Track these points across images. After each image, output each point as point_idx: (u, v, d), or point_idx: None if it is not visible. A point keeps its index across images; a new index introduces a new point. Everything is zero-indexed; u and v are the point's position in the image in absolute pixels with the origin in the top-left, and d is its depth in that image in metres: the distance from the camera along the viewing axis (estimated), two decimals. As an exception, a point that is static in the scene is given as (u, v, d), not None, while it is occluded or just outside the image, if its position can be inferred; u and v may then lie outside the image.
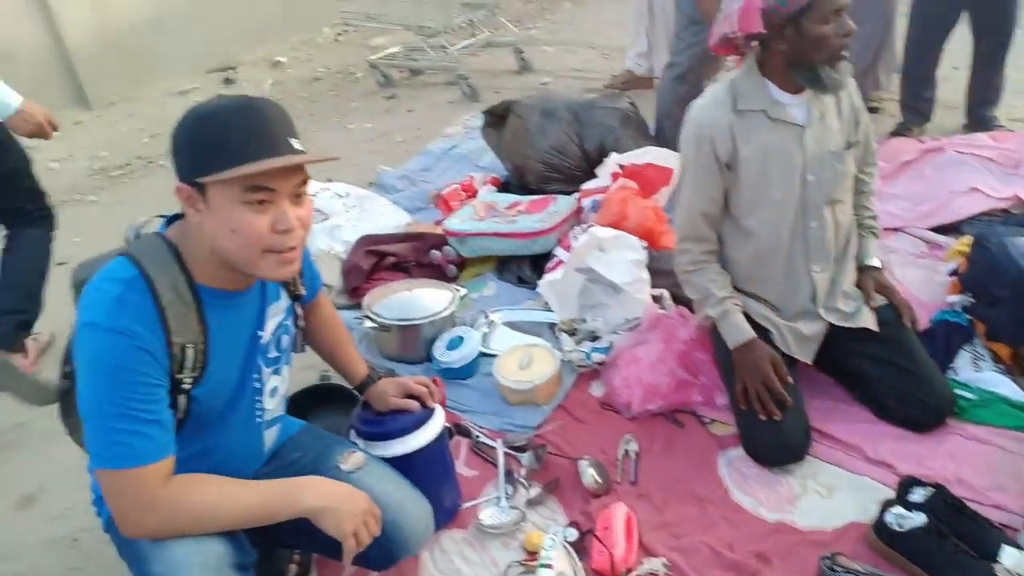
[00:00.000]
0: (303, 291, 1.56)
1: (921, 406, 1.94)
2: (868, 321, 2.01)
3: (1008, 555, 1.48)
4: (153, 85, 5.40)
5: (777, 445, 1.90)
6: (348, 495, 1.35)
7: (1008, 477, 1.79)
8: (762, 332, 1.99)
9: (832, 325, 2.01)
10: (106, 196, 4.14)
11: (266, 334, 1.44)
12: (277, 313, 1.47)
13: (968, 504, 1.66)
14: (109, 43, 5.16)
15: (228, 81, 5.59)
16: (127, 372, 1.20)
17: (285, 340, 1.51)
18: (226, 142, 1.19)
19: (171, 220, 1.34)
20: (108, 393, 1.20)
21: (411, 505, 1.56)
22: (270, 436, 1.56)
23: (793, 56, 1.81)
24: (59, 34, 4.95)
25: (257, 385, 1.45)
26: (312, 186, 3.40)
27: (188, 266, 1.28)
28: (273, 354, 1.47)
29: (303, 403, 1.98)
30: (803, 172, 1.91)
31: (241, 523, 1.31)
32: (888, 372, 1.96)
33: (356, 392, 1.78)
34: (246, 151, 1.19)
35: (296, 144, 1.25)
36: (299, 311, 1.56)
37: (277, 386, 1.52)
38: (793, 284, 2.01)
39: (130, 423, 1.20)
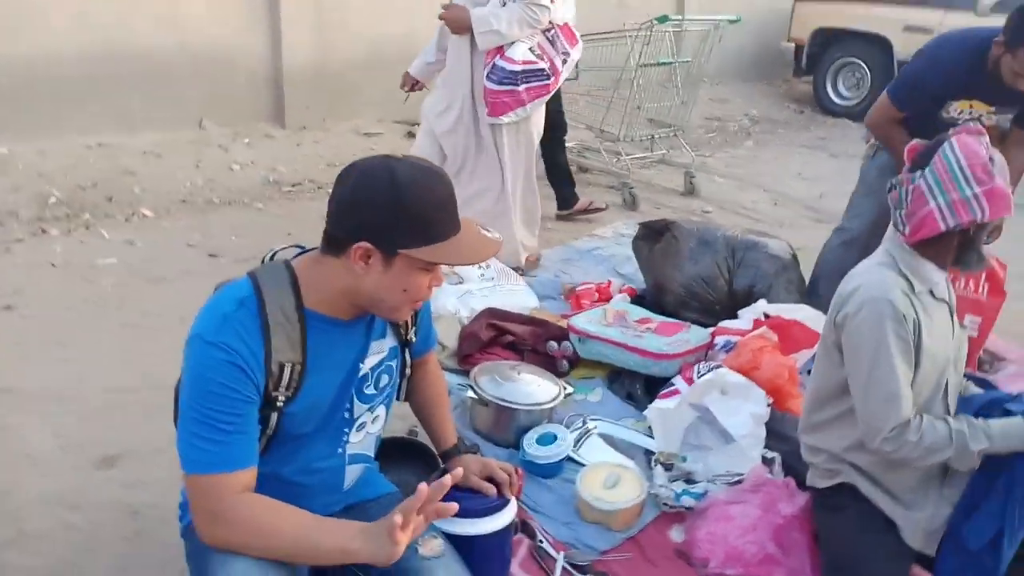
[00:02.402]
0: (412, 337, 1.58)
1: None
2: None
3: None
4: (345, 121, 5.76)
5: None
6: (385, 526, 1.25)
7: None
8: (890, 525, 1.83)
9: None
10: (272, 207, 4.40)
11: (365, 367, 1.46)
12: (380, 351, 1.50)
13: None
14: (319, 74, 5.56)
15: (410, 135, 5.89)
16: (216, 384, 1.26)
17: (384, 380, 1.52)
18: (428, 221, 1.28)
19: (301, 252, 1.43)
20: (197, 400, 1.26)
21: None
22: (352, 473, 1.56)
23: (969, 241, 1.77)
24: (279, 54, 5.37)
25: (347, 416, 1.48)
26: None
27: (302, 292, 1.35)
28: (370, 391, 1.50)
29: (383, 451, 1.96)
30: (955, 351, 1.84)
31: (293, 554, 1.29)
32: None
33: (439, 458, 1.76)
34: (442, 230, 1.30)
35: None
36: (407, 358, 1.58)
37: (367, 423, 1.54)
38: (928, 469, 1.83)
39: (211, 432, 1.26)
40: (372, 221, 1.28)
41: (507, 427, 2.37)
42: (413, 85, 3.62)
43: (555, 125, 4.18)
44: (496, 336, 2.81)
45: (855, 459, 1.89)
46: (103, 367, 2.66)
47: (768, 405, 2.38)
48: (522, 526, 2.05)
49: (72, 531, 1.94)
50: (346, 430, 1.49)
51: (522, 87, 3.24)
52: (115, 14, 4.66)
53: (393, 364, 1.54)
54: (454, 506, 1.28)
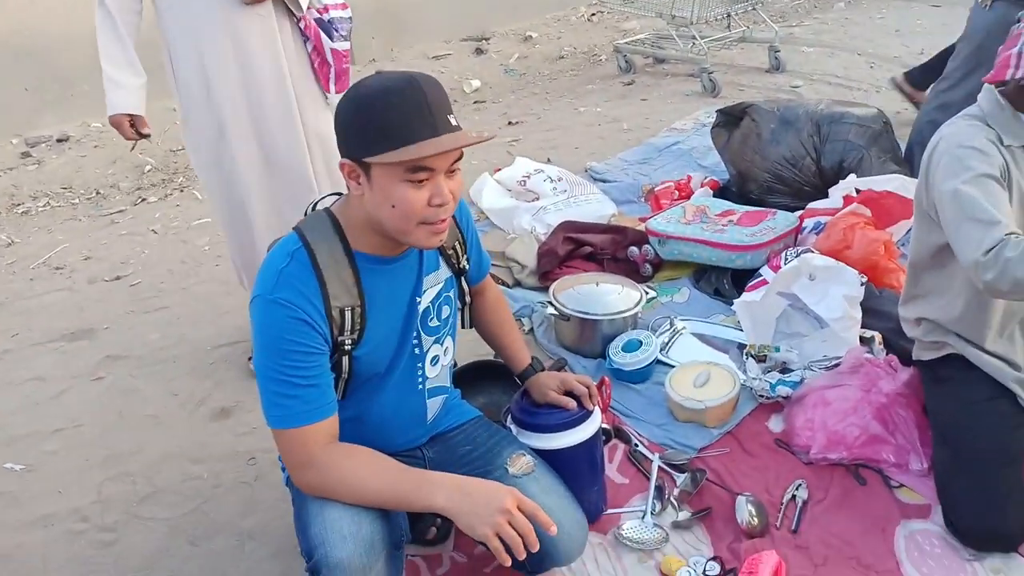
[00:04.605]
0: (465, 264, 1.58)
1: None
2: None
3: None
4: (412, 48, 5.72)
5: (991, 528, 1.67)
6: (484, 497, 1.30)
7: None
8: (1004, 393, 1.75)
9: None
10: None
11: (424, 301, 1.47)
12: (436, 283, 1.50)
13: None
14: (380, 6, 5.53)
15: (479, 51, 5.79)
16: (284, 341, 1.28)
17: (445, 311, 1.54)
18: (389, 125, 1.22)
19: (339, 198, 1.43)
20: (269, 359, 1.30)
21: (569, 523, 1.53)
22: (434, 405, 1.60)
23: None
24: (338, -9, 5.39)
25: (417, 351, 1.50)
26: (528, 166, 3.46)
27: (346, 235, 1.35)
28: (434, 323, 1.51)
29: (469, 375, 2.01)
30: None
31: (380, 503, 1.34)
32: None
33: (518, 379, 1.78)
34: (408, 133, 1.22)
35: (453, 120, 1.26)
36: (465, 287, 1.59)
37: (439, 355, 1.56)
38: None
39: (287, 387, 1.29)
40: (344, 136, 1.28)
41: (591, 338, 2.37)
42: (140, 129, 2.28)
43: None
44: (574, 249, 2.79)
45: (960, 329, 1.82)
46: (206, 324, 2.81)
47: (862, 284, 2.27)
48: (616, 432, 2.07)
49: (198, 481, 2.10)
50: (419, 365, 1.52)
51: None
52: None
53: (451, 294, 1.55)
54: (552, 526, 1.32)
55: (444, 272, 1.52)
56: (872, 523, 1.78)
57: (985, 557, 1.67)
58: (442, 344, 1.56)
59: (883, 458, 1.92)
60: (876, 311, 2.27)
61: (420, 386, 1.54)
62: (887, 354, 2.16)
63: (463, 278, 1.58)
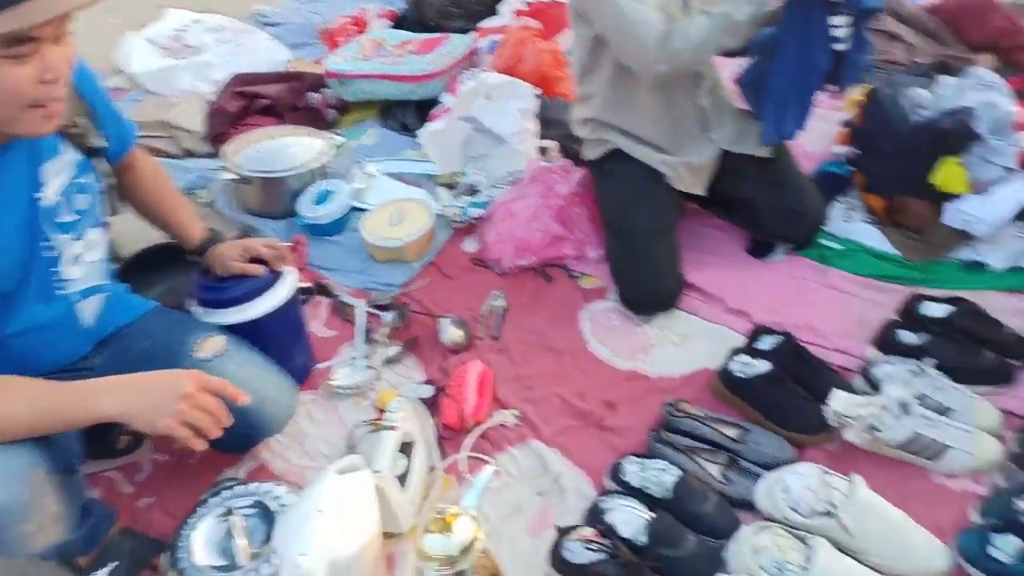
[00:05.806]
0: (98, 143, 1.37)
1: (799, 220, 1.99)
2: (754, 146, 1.95)
3: (836, 398, 1.48)
4: None
5: (653, 292, 1.91)
6: (162, 388, 1.20)
7: (855, 323, 1.81)
8: (655, 176, 1.94)
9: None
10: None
11: (48, 196, 1.27)
12: (61, 171, 1.30)
13: (813, 350, 1.70)
14: None
15: None
16: None
17: (83, 201, 1.34)
18: None
19: None
20: None
21: (274, 390, 1.49)
22: (88, 308, 1.41)
23: None
24: None
25: (49, 254, 1.30)
26: (181, 17, 3.11)
27: None
28: (67, 218, 1.31)
29: (141, 265, 1.80)
30: None
31: (36, 432, 1.18)
32: (771, 192, 1.96)
33: (195, 255, 1.64)
34: None
35: None
36: (102, 168, 1.39)
37: (81, 253, 1.36)
38: (680, 112, 1.93)
39: None
40: None
41: (278, 198, 2.26)
42: None
43: None
44: (248, 104, 2.58)
45: (615, 121, 1.95)
46: None
47: (537, 96, 2.35)
48: (319, 288, 2.05)
49: None
50: (54, 269, 1.32)
51: None
52: None
53: (87, 180, 1.35)
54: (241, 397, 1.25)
55: (71, 156, 1.31)
56: (560, 313, 1.95)
57: (653, 319, 1.91)
58: (83, 239, 1.36)
59: (565, 254, 2.08)
60: (551, 120, 2.37)
61: (61, 291, 1.35)
62: (564, 159, 2.28)
63: (103, 157, 1.38)
